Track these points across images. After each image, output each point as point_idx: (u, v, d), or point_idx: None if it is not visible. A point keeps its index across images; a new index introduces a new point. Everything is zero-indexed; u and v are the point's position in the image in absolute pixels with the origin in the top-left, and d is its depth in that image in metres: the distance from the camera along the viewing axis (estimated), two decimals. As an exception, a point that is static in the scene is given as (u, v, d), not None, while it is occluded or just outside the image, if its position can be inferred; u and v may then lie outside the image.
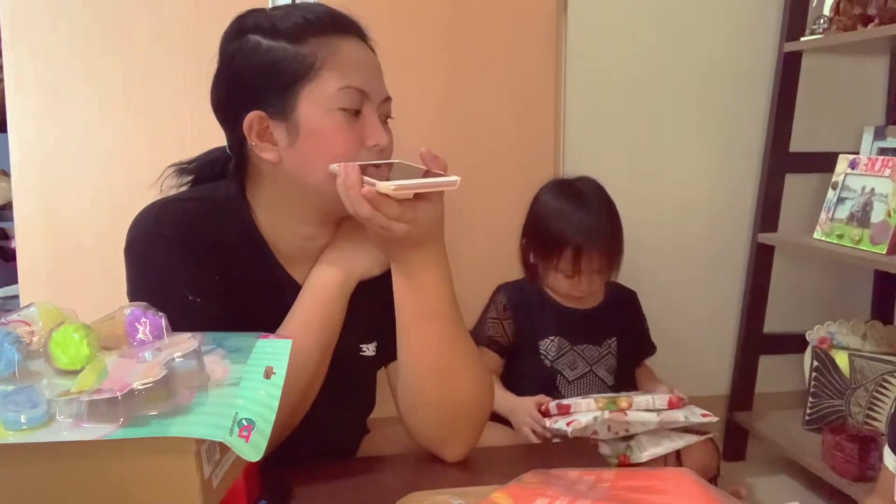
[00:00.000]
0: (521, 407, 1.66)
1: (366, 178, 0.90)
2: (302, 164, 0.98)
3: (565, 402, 1.63)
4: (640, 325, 1.91)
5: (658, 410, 1.62)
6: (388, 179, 0.89)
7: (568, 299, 1.80)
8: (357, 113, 0.98)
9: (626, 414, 1.60)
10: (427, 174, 0.93)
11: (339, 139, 0.97)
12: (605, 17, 2.15)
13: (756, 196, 2.28)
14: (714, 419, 1.65)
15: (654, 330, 1.93)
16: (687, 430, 1.67)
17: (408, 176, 0.92)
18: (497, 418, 1.75)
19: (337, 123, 0.96)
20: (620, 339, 1.83)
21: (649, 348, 1.92)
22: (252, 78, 0.98)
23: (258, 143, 0.99)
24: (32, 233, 1.78)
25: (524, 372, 1.79)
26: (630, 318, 1.89)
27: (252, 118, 0.98)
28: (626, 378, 1.84)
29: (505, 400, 1.68)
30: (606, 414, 1.58)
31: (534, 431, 1.62)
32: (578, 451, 1.29)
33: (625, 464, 1.61)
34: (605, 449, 1.63)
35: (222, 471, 0.73)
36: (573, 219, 1.73)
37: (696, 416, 1.63)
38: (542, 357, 1.77)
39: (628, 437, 1.65)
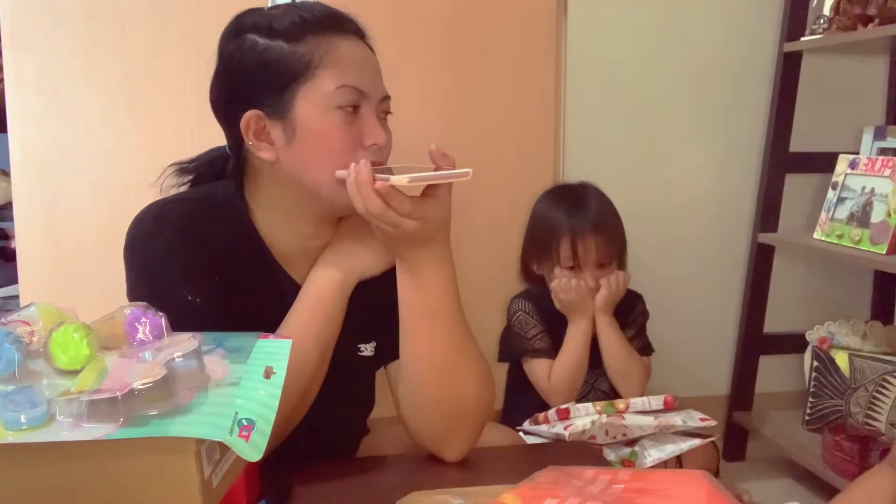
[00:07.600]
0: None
1: (378, 175, 0.90)
2: (300, 163, 0.98)
3: (564, 406, 1.62)
4: (635, 326, 1.86)
5: (655, 412, 1.61)
6: None
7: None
8: (355, 112, 0.98)
9: (623, 417, 1.58)
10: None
11: (337, 138, 0.96)
12: (605, 17, 2.15)
13: (756, 196, 2.28)
14: (712, 423, 1.64)
15: (654, 330, 1.91)
16: (689, 433, 1.66)
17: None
18: (497, 418, 1.75)
19: (334, 122, 0.96)
20: None
21: (644, 349, 1.85)
22: (249, 77, 0.98)
23: (255, 142, 0.99)
24: (32, 233, 1.77)
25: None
26: (627, 323, 1.84)
27: (249, 117, 0.98)
28: None
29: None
30: (604, 418, 1.57)
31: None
32: (580, 451, 1.29)
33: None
34: (609, 455, 1.62)
35: (222, 471, 0.73)
36: (567, 207, 1.77)
37: (694, 420, 1.62)
38: None
39: (632, 443, 1.64)
